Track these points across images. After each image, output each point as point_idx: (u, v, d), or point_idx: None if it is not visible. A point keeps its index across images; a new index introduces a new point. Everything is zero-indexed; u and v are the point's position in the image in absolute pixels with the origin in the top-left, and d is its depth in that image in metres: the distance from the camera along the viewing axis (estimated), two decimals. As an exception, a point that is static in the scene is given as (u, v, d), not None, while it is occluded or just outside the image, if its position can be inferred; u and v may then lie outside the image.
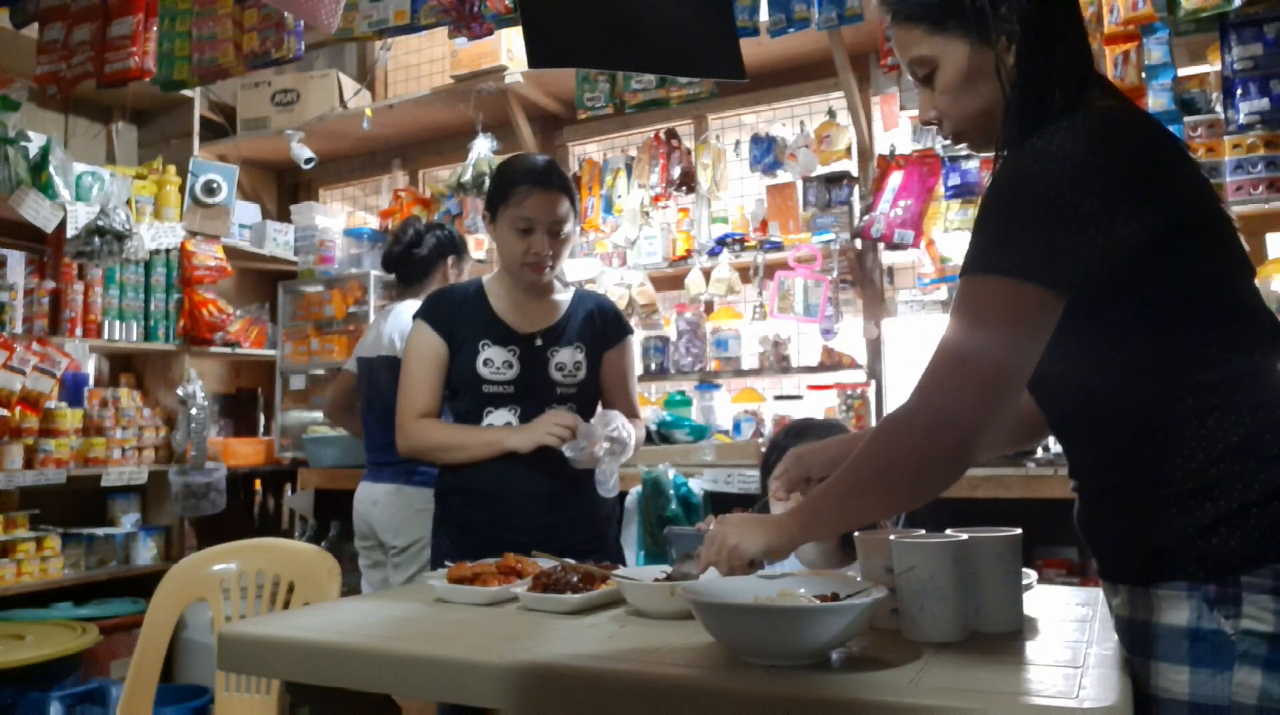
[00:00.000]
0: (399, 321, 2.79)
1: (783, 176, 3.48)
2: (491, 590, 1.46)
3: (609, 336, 2.12)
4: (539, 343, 2.05)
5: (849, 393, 3.13)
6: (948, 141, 1.27)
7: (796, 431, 1.86)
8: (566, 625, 1.31)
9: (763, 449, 3.03)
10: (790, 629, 1.06)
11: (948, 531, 1.25)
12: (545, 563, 1.57)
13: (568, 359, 2.04)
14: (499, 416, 2.01)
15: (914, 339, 3.09)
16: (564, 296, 2.15)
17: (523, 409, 2.00)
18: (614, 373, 2.13)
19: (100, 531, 3.66)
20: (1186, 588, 1.03)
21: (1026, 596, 1.29)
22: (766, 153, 3.46)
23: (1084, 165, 1.02)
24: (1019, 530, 1.25)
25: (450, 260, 2.92)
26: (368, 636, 1.26)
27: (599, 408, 2.15)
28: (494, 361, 2.01)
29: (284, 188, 4.83)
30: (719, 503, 2.80)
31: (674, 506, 2.81)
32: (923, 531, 1.29)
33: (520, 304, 2.09)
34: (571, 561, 1.53)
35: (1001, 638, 1.19)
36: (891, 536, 1.23)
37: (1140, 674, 1.06)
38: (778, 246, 3.35)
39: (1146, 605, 1.07)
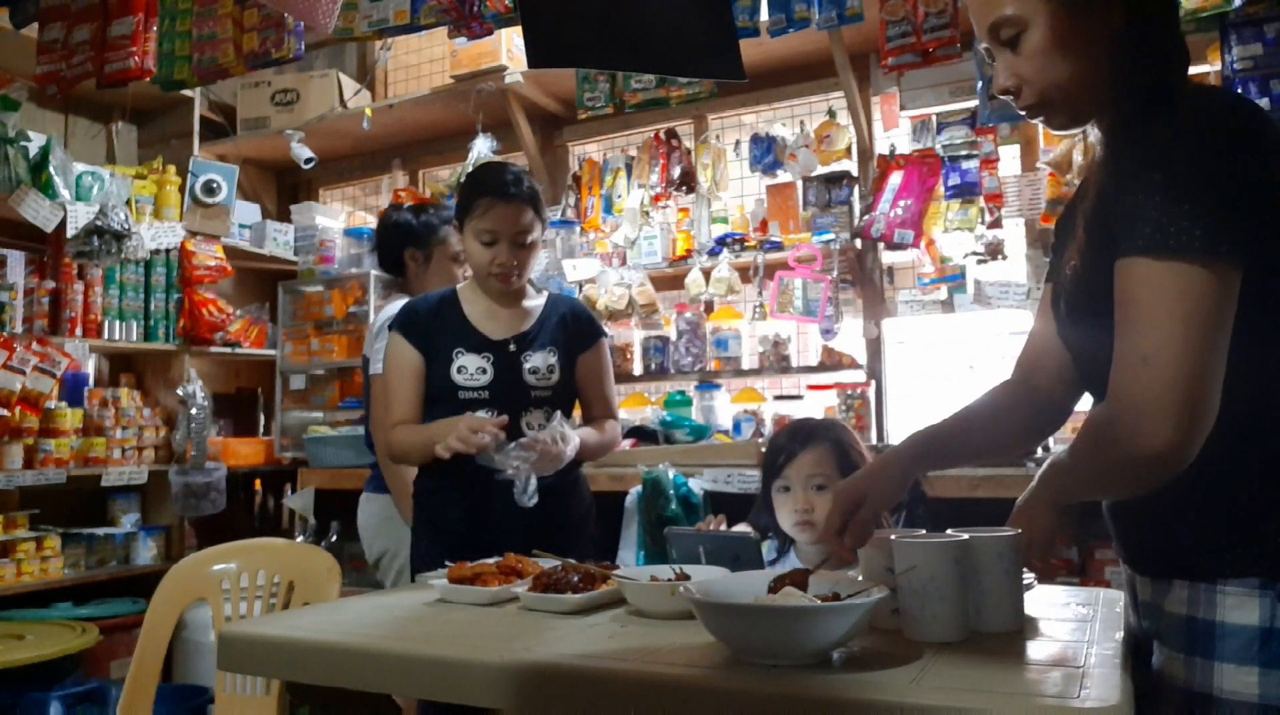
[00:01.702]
0: (377, 319, 2.65)
1: (783, 176, 3.48)
2: (492, 590, 1.46)
3: (582, 339, 2.15)
4: (512, 348, 2.07)
5: (849, 393, 3.13)
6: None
7: (795, 431, 1.86)
8: (567, 625, 1.31)
9: (763, 449, 3.03)
10: (791, 629, 1.06)
11: (948, 531, 1.25)
12: (546, 563, 1.57)
13: (541, 363, 2.07)
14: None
15: (914, 339, 3.09)
16: (537, 302, 2.17)
17: (499, 413, 2.01)
18: (589, 375, 2.15)
19: (100, 531, 3.66)
20: (1259, 585, 1.00)
21: (1026, 596, 1.29)
22: (766, 153, 3.46)
23: (1242, 136, 0.99)
24: (1019, 530, 1.25)
25: (409, 252, 2.64)
26: (368, 636, 1.26)
27: (575, 411, 2.18)
28: (468, 368, 2.03)
29: (284, 188, 4.83)
30: (719, 503, 2.79)
31: (674, 506, 2.80)
32: (923, 531, 1.29)
33: (493, 310, 2.11)
34: (572, 561, 1.53)
35: (1002, 637, 1.19)
36: (892, 536, 1.23)
37: (1199, 675, 1.03)
38: (778, 246, 3.35)
39: (1210, 602, 1.03)
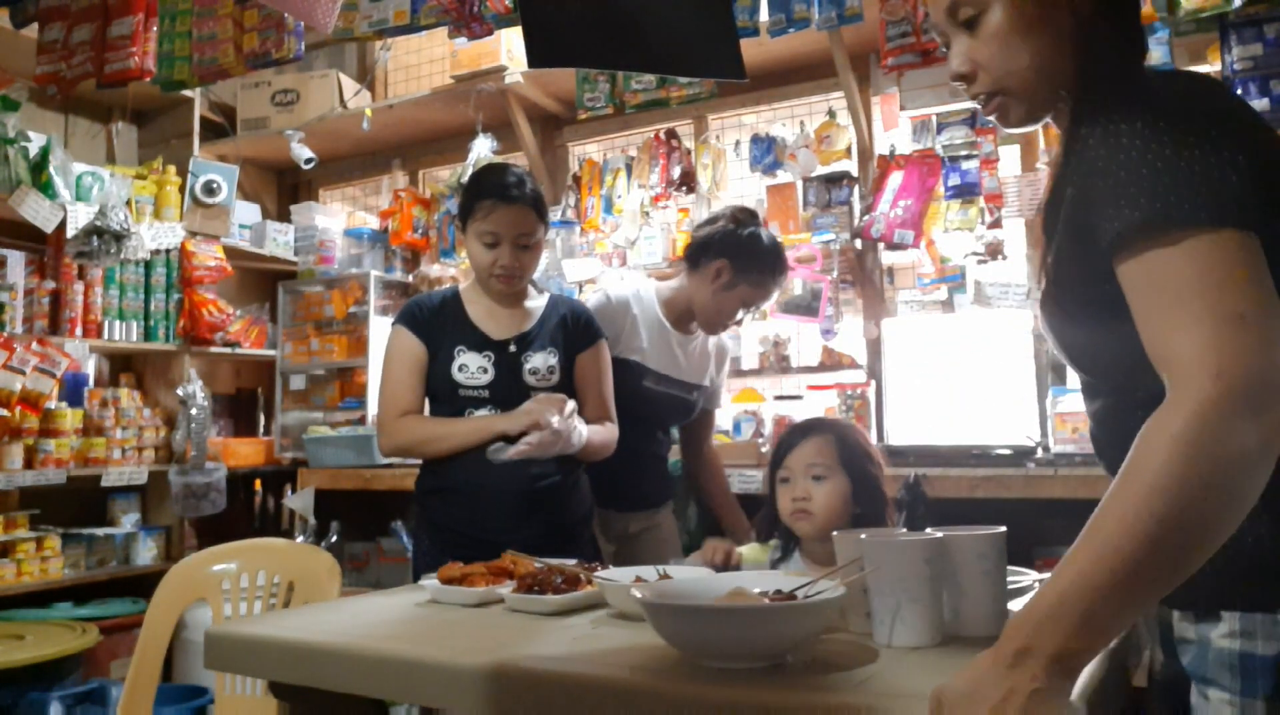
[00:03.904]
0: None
1: (783, 176, 3.48)
2: (479, 591, 1.46)
3: (581, 340, 2.16)
4: (513, 348, 2.09)
5: (849, 393, 3.12)
6: (975, 104, 1.11)
7: (801, 425, 1.85)
8: (546, 627, 1.29)
9: (764, 449, 3.02)
10: (735, 631, 1.02)
11: (927, 531, 1.19)
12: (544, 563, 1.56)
13: (541, 363, 2.08)
14: (479, 416, 2.04)
15: (914, 339, 3.09)
16: (538, 302, 2.18)
17: (499, 411, 2.04)
18: (586, 376, 2.16)
19: (100, 531, 3.66)
20: None
21: (1024, 599, 1.27)
22: (766, 153, 3.46)
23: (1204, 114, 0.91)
24: (1002, 528, 1.18)
25: (718, 266, 2.30)
26: (341, 636, 1.25)
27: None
28: (469, 367, 2.05)
29: (284, 188, 4.83)
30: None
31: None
32: (905, 530, 1.25)
33: (495, 310, 2.13)
34: (557, 562, 1.52)
35: (982, 641, 1.10)
36: (862, 535, 1.17)
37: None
38: (778, 246, 3.34)
39: (1270, 635, 0.89)
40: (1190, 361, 0.83)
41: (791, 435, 1.80)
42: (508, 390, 2.04)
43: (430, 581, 1.53)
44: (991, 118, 1.11)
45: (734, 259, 2.30)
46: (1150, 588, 0.82)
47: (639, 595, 1.09)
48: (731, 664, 1.03)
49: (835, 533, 1.27)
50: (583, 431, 2.00)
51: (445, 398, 2.06)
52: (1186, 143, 0.87)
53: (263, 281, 4.52)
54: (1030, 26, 1.02)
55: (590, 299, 2.32)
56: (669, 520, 2.50)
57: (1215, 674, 0.93)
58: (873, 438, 3.06)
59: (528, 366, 2.07)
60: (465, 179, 3.69)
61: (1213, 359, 0.81)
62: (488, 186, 2.06)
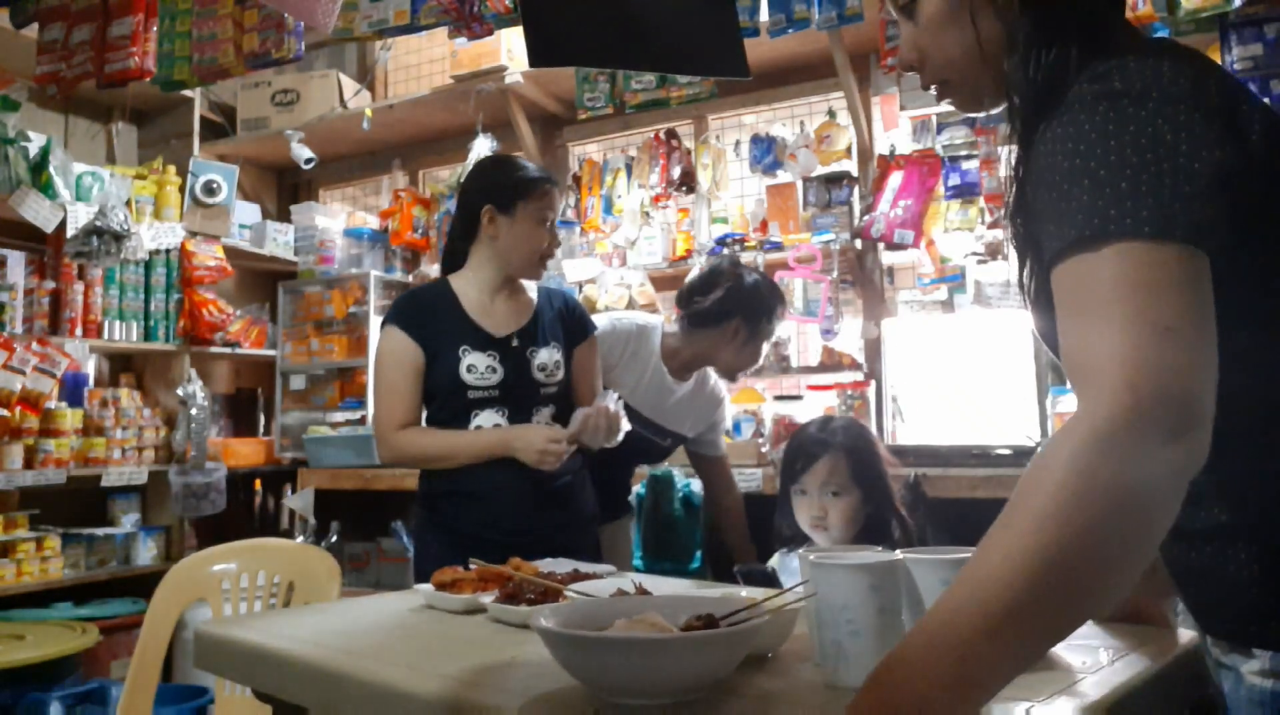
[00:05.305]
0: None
1: (783, 176, 3.48)
2: (464, 598, 1.44)
3: (577, 333, 2.16)
4: (515, 343, 2.06)
5: (849, 393, 3.12)
6: (930, 91, 1.03)
7: (815, 437, 1.86)
8: (513, 640, 1.25)
9: (764, 449, 3.02)
10: (628, 662, 0.89)
11: (897, 552, 1.06)
12: (556, 567, 1.55)
13: (548, 359, 2.07)
14: (486, 417, 2.01)
15: (914, 339, 3.09)
16: (530, 294, 2.17)
17: (509, 410, 2.02)
18: (581, 370, 2.15)
19: (100, 531, 3.66)
20: None
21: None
22: (766, 153, 3.46)
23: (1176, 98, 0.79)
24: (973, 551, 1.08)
25: (735, 325, 2.34)
26: (304, 645, 1.21)
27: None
28: (477, 367, 2.01)
29: (284, 188, 4.83)
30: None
31: (678, 506, 2.81)
32: (879, 548, 1.12)
33: (488, 305, 2.09)
34: (550, 567, 1.51)
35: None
36: (811, 556, 1.02)
37: None
38: (778, 246, 3.35)
39: None
40: (1102, 370, 0.72)
41: (808, 451, 1.82)
42: (518, 388, 2.02)
43: (425, 587, 1.52)
44: (946, 103, 1.05)
45: (746, 313, 2.35)
46: (1037, 635, 0.70)
47: (541, 621, 0.95)
48: (628, 699, 0.90)
49: (800, 551, 1.23)
50: (623, 415, 2.01)
51: (452, 398, 2.01)
52: (1139, 146, 0.77)
53: (263, 281, 4.52)
54: (958, 12, 0.96)
55: (597, 322, 2.32)
56: (614, 531, 2.49)
57: (1248, 710, 0.85)
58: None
59: (536, 362, 2.04)
60: (471, 168, 3.68)
61: (1128, 370, 0.71)
62: (532, 168, 2.09)
